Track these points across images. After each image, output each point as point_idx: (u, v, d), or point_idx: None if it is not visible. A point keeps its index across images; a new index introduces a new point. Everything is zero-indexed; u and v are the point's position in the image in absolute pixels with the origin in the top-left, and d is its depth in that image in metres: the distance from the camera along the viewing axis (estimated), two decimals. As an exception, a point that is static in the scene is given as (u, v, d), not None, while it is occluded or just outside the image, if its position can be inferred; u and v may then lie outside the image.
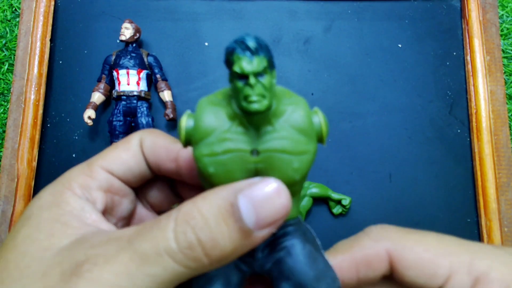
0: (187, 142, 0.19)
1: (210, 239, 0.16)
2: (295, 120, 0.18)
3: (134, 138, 0.22)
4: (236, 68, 0.16)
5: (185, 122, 0.18)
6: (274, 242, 0.19)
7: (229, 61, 0.16)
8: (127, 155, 0.22)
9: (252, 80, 0.16)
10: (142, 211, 0.25)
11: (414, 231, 0.22)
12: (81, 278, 0.16)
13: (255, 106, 0.16)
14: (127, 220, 0.24)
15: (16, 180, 0.45)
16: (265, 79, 0.16)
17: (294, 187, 0.18)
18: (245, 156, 0.17)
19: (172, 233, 0.16)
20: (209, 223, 0.16)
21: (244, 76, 0.16)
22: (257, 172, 0.18)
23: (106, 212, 0.22)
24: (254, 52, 0.16)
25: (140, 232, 0.17)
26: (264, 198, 0.16)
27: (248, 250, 0.17)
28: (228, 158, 0.17)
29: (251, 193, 0.16)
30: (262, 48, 0.16)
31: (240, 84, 0.16)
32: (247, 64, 0.16)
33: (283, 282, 0.18)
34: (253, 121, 0.17)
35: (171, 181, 0.25)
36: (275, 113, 0.18)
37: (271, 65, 0.17)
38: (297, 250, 0.18)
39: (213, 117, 0.18)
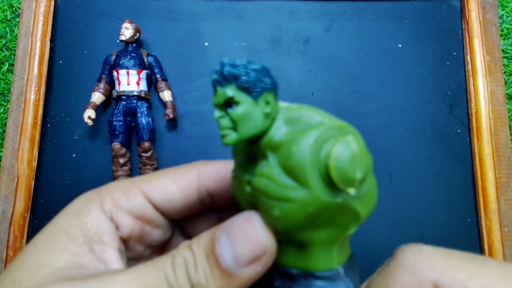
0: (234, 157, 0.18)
1: (196, 275, 0.16)
2: (285, 155, 0.14)
3: (191, 170, 0.21)
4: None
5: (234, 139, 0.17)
6: None
7: None
8: (173, 186, 0.20)
9: (215, 113, 0.15)
10: (180, 241, 0.24)
11: (462, 255, 0.17)
12: None
13: (223, 141, 0.15)
14: (159, 249, 0.23)
15: (16, 180, 0.45)
16: (236, 110, 0.14)
17: (296, 236, 0.15)
18: (243, 187, 0.16)
19: (171, 264, 0.16)
20: (195, 260, 0.16)
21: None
22: (254, 207, 0.16)
23: (132, 238, 0.21)
24: (218, 83, 0.15)
25: (135, 272, 0.17)
26: (238, 231, 0.16)
27: None
28: (235, 184, 0.17)
29: (228, 228, 0.16)
30: (224, 76, 0.14)
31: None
32: (215, 96, 0.15)
33: None
34: (249, 150, 0.16)
35: (220, 215, 0.23)
36: (271, 144, 0.15)
37: (250, 91, 0.15)
38: None
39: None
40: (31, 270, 0.17)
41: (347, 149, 0.13)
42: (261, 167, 0.15)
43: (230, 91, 0.14)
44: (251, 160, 0.16)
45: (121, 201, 0.20)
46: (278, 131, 0.15)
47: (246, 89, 0.14)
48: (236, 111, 0.14)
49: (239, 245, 0.15)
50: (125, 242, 0.20)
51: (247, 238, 0.15)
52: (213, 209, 0.23)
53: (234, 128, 0.15)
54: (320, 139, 0.13)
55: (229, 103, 0.14)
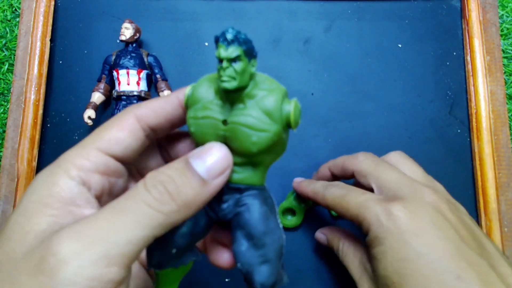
0: (185, 106, 0.24)
1: (175, 187, 0.20)
2: (264, 103, 0.21)
3: (128, 114, 0.24)
4: (216, 53, 0.20)
5: (187, 90, 0.24)
6: (239, 199, 0.23)
7: (216, 47, 0.20)
8: (123, 133, 0.23)
9: (224, 63, 0.20)
10: (134, 184, 0.27)
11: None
12: (64, 239, 0.18)
13: (224, 85, 0.20)
14: None
15: (16, 180, 0.45)
16: (238, 65, 0.20)
17: (255, 158, 0.22)
18: (217, 124, 0.22)
19: (144, 188, 0.20)
20: (172, 177, 0.20)
21: (221, 60, 0.20)
22: (225, 138, 0.22)
23: (104, 194, 0.23)
24: (229, 43, 0.20)
25: (115, 200, 0.20)
26: (207, 153, 0.21)
27: (209, 197, 0.21)
28: (204, 123, 0.22)
29: (198, 153, 0.21)
30: (238, 40, 0.20)
31: (218, 66, 0.20)
32: (223, 51, 0.20)
33: (238, 231, 0.22)
34: (229, 97, 0.21)
35: (161, 150, 0.28)
36: (249, 95, 0.21)
37: (248, 55, 0.20)
38: (254, 208, 0.22)
39: (204, 89, 0.23)
40: (18, 239, 0.19)
41: (297, 108, 0.22)
42: (244, 109, 0.21)
43: (240, 51, 0.20)
44: (225, 104, 0.22)
45: (85, 164, 0.22)
46: (255, 87, 0.22)
47: (247, 52, 0.20)
48: (241, 66, 0.20)
49: (210, 161, 0.21)
50: (99, 199, 0.23)
51: (215, 156, 0.21)
52: (153, 145, 0.27)
53: (234, 78, 0.20)
54: (282, 97, 0.22)
55: (234, 59, 0.20)
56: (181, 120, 0.25)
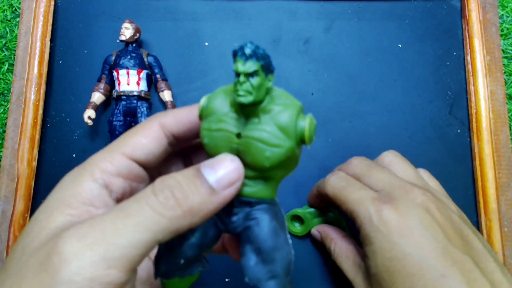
0: (200, 118, 0.24)
1: (182, 193, 0.20)
2: (279, 118, 0.21)
3: (152, 122, 0.25)
4: (234, 67, 0.20)
5: (202, 101, 0.23)
6: (249, 213, 0.23)
7: (234, 61, 0.21)
8: (146, 139, 0.24)
9: (241, 78, 0.20)
10: None
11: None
12: (68, 239, 0.18)
13: (240, 99, 0.20)
14: None
15: (16, 180, 0.45)
16: (254, 80, 0.20)
17: (267, 173, 0.22)
18: (231, 137, 0.22)
19: (151, 191, 0.20)
20: (181, 184, 0.20)
21: (238, 74, 0.20)
22: (238, 151, 0.22)
23: (125, 198, 0.23)
24: (247, 57, 0.20)
25: (123, 202, 0.20)
26: (219, 164, 0.21)
27: (217, 207, 0.21)
28: (218, 135, 0.22)
29: (211, 163, 0.21)
30: (256, 55, 0.20)
31: (235, 79, 0.21)
32: (241, 65, 0.20)
33: (247, 245, 0.22)
34: (244, 111, 0.22)
35: (185, 159, 0.28)
36: (264, 109, 0.21)
37: (266, 70, 0.21)
38: (264, 223, 0.22)
39: (219, 101, 0.23)
40: (34, 235, 0.20)
41: (312, 124, 0.22)
42: (259, 124, 0.21)
43: (257, 66, 0.20)
44: (240, 117, 0.22)
45: (109, 168, 0.23)
46: (271, 102, 0.22)
47: (264, 67, 0.20)
48: (257, 81, 0.20)
49: (221, 172, 0.21)
50: (120, 202, 0.23)
51: (227, 167, 0.21)
52: (177, 154, 0.28)
53: (250, 92, 0.20)
54: (297, 113, 0.22)
55: (251, 74, 0.20)
56: None
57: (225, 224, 0.23)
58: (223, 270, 0.45)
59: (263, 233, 0.22)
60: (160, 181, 0.20)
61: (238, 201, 0.23)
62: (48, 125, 0.49)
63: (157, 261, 0.23)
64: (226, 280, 0.45)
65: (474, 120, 0.47)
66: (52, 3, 0.50)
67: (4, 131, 0.49)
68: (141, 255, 0.19)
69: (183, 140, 0.26)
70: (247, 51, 0.20)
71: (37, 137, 0.47)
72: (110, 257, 0.18)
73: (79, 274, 0.17)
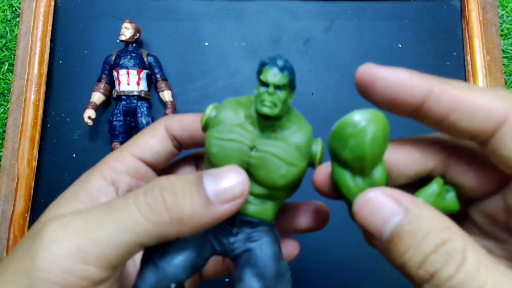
0: (204, 128, 0.22)
1: (172, 197, 0.18)
2: (296, 138, 0.21)
3: (159, 123, 0.25)
4: (262, 77, 0.20)
5: (209, 111, 0.22)
6: (251, 234, 0.21)
7: (259, 71, 0.20)
8: (153, 140, 0.24)
9: (270, 89, 0.19)
10: None
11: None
12: (52, 225, 0.18)
13: (266, 110, 0.20)
14: None
15: (16, 180, 0.45)
16: (282, 93, 0.20)
17: (276, 192, 0.21)
18: (244, 149, 0.20)
19: (142, 190, 0.19)
20: (174, 187, 0.19)
21: (266, 85, 0.20)
22: (249, 166, 0.21)
23: None
24: (280, 69, 0.19)
25: (116, 198, 0.20)
26: (224, 175, 0.19)
27: (211, 221, 0.19)
28: (230, 145, 0.21)
29: (215, 172, 0.20)
30: (287, 69, 0.20)
31: (261, 89, 0.20)
32: (272, 76, 0.19)
33: (247, 268, 0.21)
34: (262, 124, 0.21)
35: (196, 162, 0.28)
36: (281, 126, 0.21)
37: (291, 86, 0.20)
38: (267, 246, 0.21)
39: (231, 112, 0.21)
40: (37, 221, 0.21)
41: (323, 148, 0.22)
42: (276, 140, 0.21)
43: (287, 80, 0.20)
44: (255, 131, 0.21)
45: (118, 166, 0.23)
46: (287, 120, 0.21)
47: (291, 83, 0.20)
48: (284, 95, 0.20)
49: (224, 184, 0.19)
50: None
51: (231, 181, 0.19)
52: (191, 157, 0.28)
53: (276, 105, 0.20)
54: (311, 135, 0.22)
55: (280, 86, 0.20)
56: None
57: (222, 245, 0.22)
58: (223, 270, 0.45)
59: (267, 257, 0.21)
60: (154, 181, 0.19)
61: (240, 220, 0.21)
62: (48, 125, 0.49)
63: (141, 275, 0.20)
64: (226, 280, 0.45)
65: (474, 120, 0.47)
66: (52, 3, 0.50)
67: (4, 131, 0.49)
68: (120, 255, 0.18)
69: (186, 144, 0.26)
70: (280, 63, 0.19)
71: (37, 137, 0.47)
72: (85, 251, 0.18)
73: (54, 263, 0.17)
